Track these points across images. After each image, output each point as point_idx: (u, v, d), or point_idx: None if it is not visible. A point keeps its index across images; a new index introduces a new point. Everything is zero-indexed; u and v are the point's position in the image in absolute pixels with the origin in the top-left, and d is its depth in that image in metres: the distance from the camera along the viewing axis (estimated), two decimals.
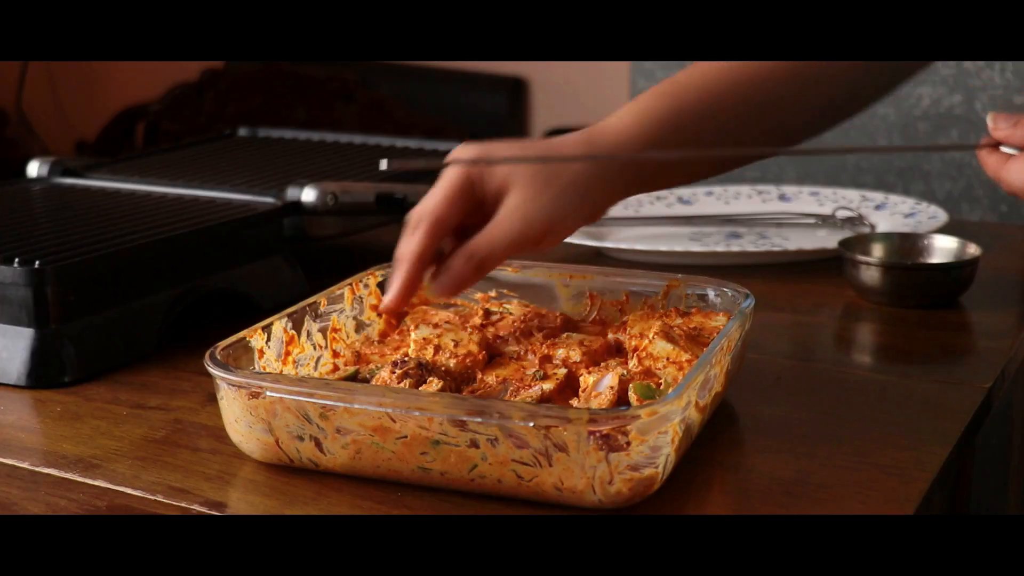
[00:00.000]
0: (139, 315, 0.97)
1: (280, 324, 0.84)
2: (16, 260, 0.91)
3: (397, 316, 0.95)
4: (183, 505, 0.73)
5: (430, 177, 1.26)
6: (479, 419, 0.69)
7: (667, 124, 0.83)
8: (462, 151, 0.81)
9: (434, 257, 0.80)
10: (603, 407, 0.75)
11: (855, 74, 0.90)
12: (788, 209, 1.35)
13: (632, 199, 1.41)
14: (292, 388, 0.72)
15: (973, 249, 1.09)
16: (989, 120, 0.74)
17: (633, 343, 0.84)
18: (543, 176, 0.79)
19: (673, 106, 0.84)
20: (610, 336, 0.87)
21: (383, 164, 0.80)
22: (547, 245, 0.81)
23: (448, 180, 0.80)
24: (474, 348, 0.84)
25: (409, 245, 0.80)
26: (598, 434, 0.67)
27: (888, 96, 0.96)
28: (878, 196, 1.38)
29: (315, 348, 0.87)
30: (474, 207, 0.81)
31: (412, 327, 0.89)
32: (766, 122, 0.88)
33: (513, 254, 0.80)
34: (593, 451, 0.68)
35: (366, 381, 0.80)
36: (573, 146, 0.81)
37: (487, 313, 0.92)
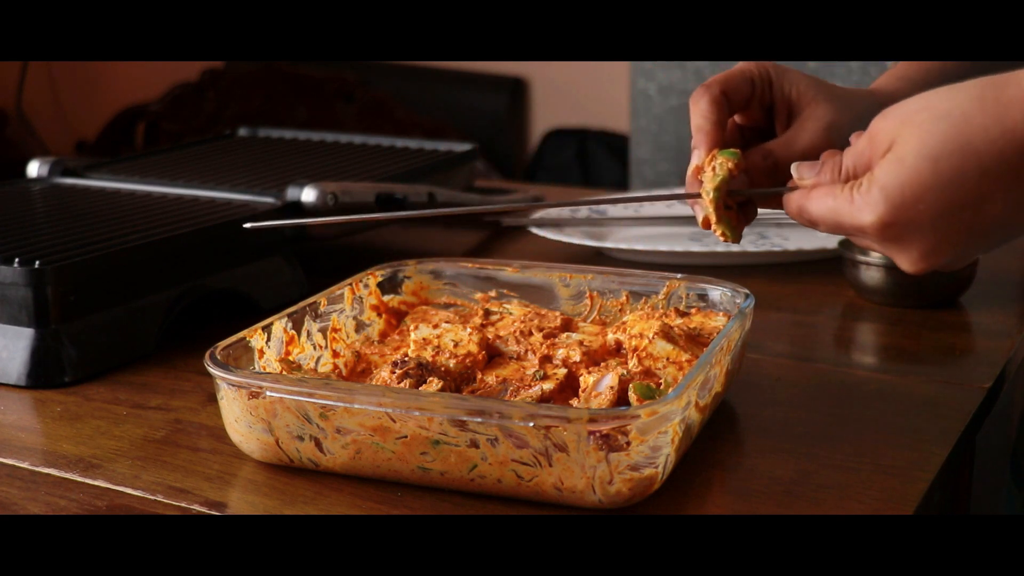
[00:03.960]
0: (139, 315, 0.97)
1: (280, 324, 0.84)
2: (16, 260, 0.91)
3: (397, 316, 0.95)
4: (183, 505, 0.73)
5: (428, 178, 1.27)
6: (479, 419, 0.69)
7: (929, 79, 0.84)
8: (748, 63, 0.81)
9: (724, 124, 0.80)
10: (603, 407, 0.75)
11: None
12: None
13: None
14: (292, 388, 0.72)
15: None
16: (794, 171, 0.73)
17: (633, 343, 0.84)
18: (842, 102, 0.80)
19: (928, 68, 0.86)
20: (610, 336, 0.87)
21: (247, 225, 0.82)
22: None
23: (744, 64, 0.81)
24: (474, 348, 0.84)
25: (701, 112, 0.78)
26: (598, 434, 0.67)
27: None
28: None
29: (315, 348, 0.87)
30: (760, 104, 0.81)
31: (412, 327, 0.89)
32: None
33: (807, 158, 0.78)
34: (593, 451, 0.68)
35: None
36: (873, 101, 0.81)
37: (487, 313, 0.93)
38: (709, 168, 0.75)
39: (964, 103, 0.65)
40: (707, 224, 0.78)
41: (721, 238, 0.77)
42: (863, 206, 0.67)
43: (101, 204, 1.13)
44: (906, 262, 0.68)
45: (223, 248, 1.04)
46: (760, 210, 0.80)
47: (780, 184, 0.78)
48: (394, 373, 0.79)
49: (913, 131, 0.66)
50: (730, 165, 0.75)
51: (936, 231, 0.66)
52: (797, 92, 0.81)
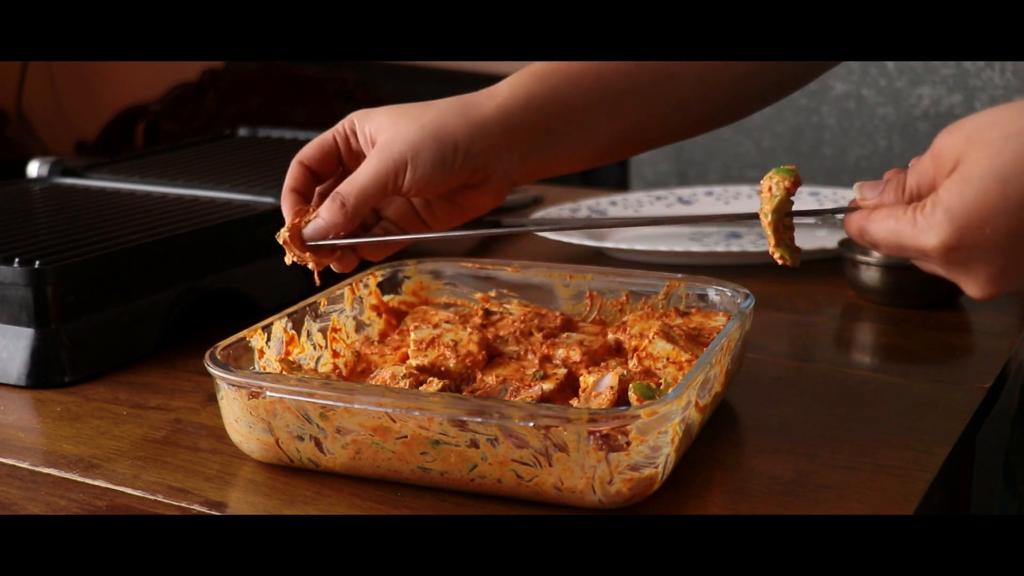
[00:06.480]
0: (139, 315, 0.97)
1: (280, 324, 0.84)
2: (16, 260, 0.91)
3: (397, 316, 0.95)
4: (183, 505, 0.73)
5: None
6: (479, 419, 0.69)
7: (537, 102, 0.85)
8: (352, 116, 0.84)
9: (308, 188, 0.85)
10: (603, 407, 0.75)
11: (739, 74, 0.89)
12: None
13: (632, 198, 1.41)
14: (292, 388, 0.72)
15: None
16: (856, 191, 0.69)
17: (633, 343, 0.84)
18: (406, 117, 0.81)
19: (544, 87, 0.86)
20: (610, 336, 0.87)
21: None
22: (412, 186, 0.79)
23: (324, 136, 0.84)
24: (474, 348, 0.84)
25: (288, 177, 0.85)
26: (598, 434, 0.67)
27: (783, 97, 0.94)
28: None
29: (315, 348, 0.87)
30: (357, 158, 0.83)
31: (412, 327, 0.89)
32: (625, 115, 0.87)
33: (378, 191, 0.79)
34: (593, 451, 0.68)
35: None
36: (447, 109, 0.83)
37: (487, 313, 0.93)
38: (766, 189, 0.71)
39: None
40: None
41: (780, 262, 0.72)
42: (927, 228, 0.63)
43: (101, 204, 1.13)
44: (973, 287, 0.65)
45: (223, 248, 1.04)
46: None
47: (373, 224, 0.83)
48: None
49: (980, 150, 0.62)
50: (786, 184, 0.70)
51: (1004, 255, 0.63)
52: (373, 132, 0.81)
